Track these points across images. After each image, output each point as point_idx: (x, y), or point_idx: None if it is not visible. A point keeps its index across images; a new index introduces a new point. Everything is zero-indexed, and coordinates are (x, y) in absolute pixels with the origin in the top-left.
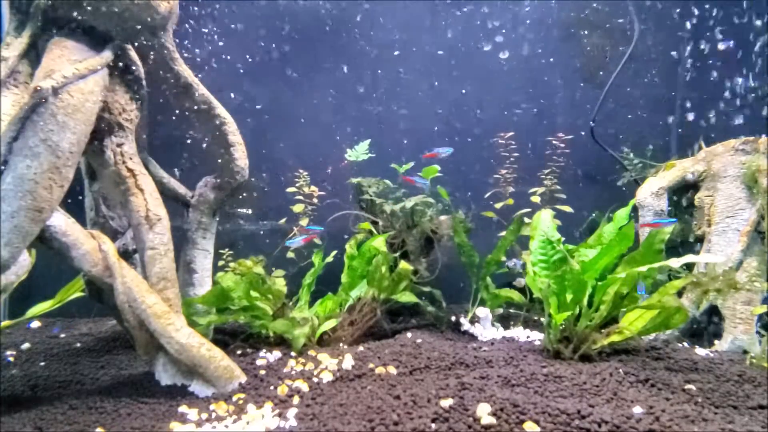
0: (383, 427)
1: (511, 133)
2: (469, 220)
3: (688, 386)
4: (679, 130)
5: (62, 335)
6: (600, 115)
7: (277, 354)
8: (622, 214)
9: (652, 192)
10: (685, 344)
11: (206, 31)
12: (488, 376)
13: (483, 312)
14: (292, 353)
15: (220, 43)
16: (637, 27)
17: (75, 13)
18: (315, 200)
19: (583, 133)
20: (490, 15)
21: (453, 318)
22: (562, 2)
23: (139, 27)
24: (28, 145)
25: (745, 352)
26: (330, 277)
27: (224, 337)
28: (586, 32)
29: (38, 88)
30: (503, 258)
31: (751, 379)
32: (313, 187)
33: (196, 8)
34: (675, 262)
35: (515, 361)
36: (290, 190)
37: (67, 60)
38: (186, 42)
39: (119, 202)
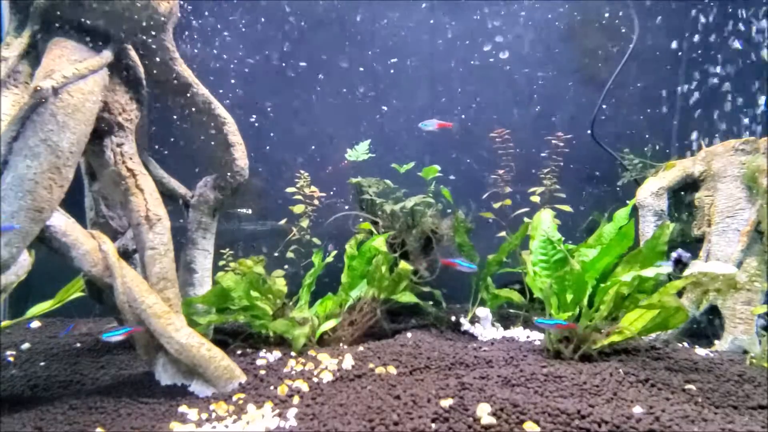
0: (383, 427)
1: (507, 131)
2: (469, 220)
3: (688, 386)
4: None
5: (62, 334)
6: (600, 114)
7: (277, 354)
8: (622, 214)
9: (652, 192)
10: (685, 344)
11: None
12: (488, 376)
13: (483, 312)
14: (292, 353)
15: (219, 43)
16: (637, 26)
17: (75, 13)
18: (316, 201)
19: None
20: (490, 15)
21: (453, 318)
22: (562, 2)
23: (139, 27)
24: (28, 145)
25: (745, 352)
26: (330, 277)
27: (224, 337)
28: (586, 31)
29: (38, 88)
30: (504, 258)
31: (751, 379)
32: (313, 188)
33: (194, 7)
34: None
35: (515, 361)
36: (289, 190)
37: (67, 60)
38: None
39: (119, 202)
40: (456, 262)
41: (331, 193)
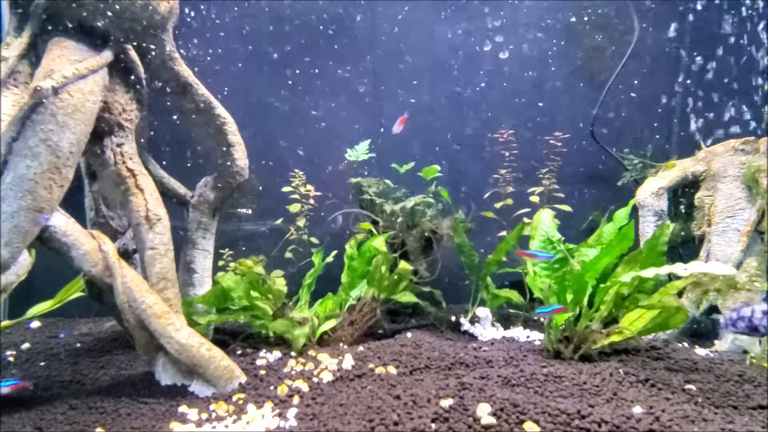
0: (383, 427)
1: (511, 131)
2: (469, 220)
3: (688, 386)
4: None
5: (61, 335)
6: (600, 114)
7: (277, 354)
8: (622, 214)
9: (652, 192)
10: (685, 344)
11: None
12: (488, 376)
13: (483, 312)
14: (292, 353)
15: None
16: (637, 26)
17: (75, 13)
18: (311, 200)
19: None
20: (490, 15)
21: (453, 318)
22: (562, 2)
23: (139, 27)
24: (28, 145)
25: (745, 352)
26: (330, 277)
27: (224, 337)
28: (586, 31)
29: (38, 88)
30: (503, 258)
31: (751, 379)
32: (309, 186)
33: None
34: (681, 269)
35: (515, 361)
36: (285, 189)
37: (67, 60)
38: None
39: (119, 202)
40: (533, 253)
41: (329, 195)
